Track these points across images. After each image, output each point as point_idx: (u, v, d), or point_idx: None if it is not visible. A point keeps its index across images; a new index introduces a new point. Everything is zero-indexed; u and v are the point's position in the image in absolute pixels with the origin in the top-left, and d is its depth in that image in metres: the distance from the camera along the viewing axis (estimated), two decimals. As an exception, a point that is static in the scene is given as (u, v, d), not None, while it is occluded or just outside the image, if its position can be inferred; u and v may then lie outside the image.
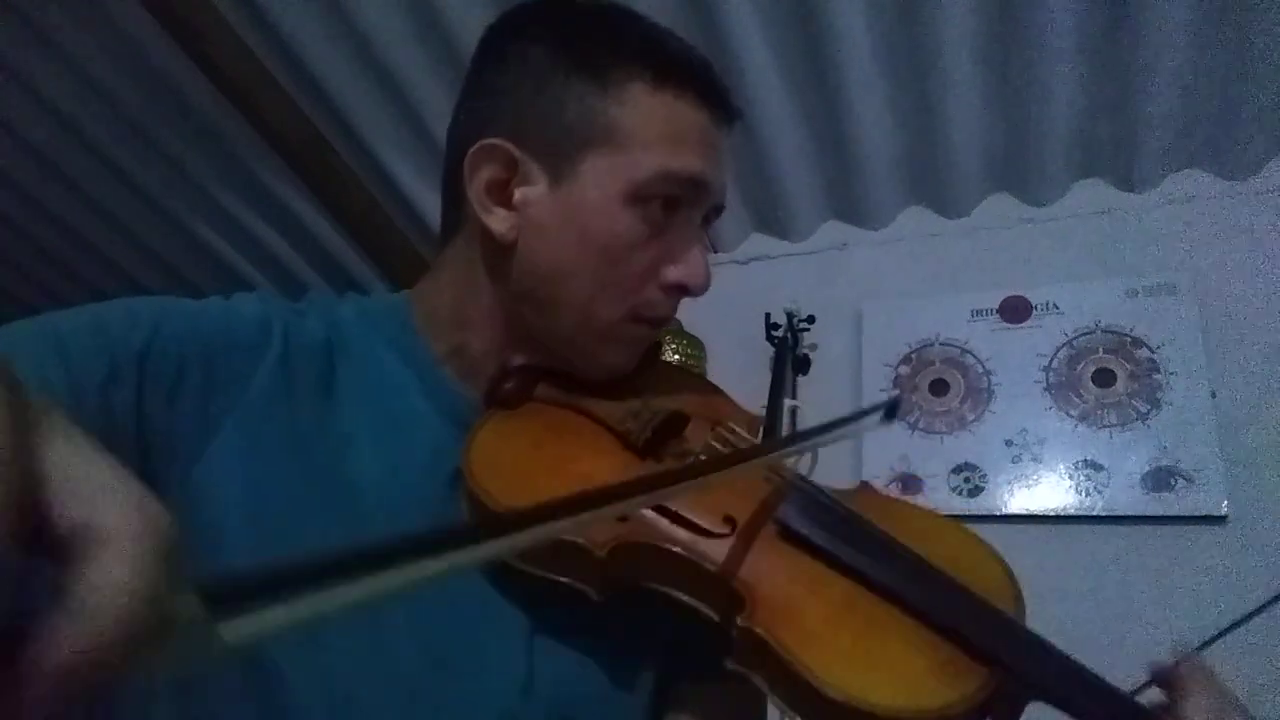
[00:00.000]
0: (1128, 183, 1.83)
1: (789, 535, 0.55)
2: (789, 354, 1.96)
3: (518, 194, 0.61)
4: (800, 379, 1.95)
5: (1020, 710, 0.49)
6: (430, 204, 2.14)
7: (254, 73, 1.79)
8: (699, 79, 0.61)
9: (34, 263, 2.70)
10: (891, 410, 0.57)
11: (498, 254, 0.62)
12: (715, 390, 0.74)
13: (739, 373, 1.93)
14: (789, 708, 0.47)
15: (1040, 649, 0.48)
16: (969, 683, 0.46)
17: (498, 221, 0.61)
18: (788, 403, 1.89)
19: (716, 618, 0.52)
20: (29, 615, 0.19)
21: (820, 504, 0.57)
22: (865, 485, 0.61)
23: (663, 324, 0.65)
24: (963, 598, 0.50)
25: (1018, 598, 0.52)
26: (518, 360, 0.65)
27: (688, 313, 2.11)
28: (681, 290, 0.63)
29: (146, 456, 0.52)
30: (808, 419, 1.88)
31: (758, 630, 0.48)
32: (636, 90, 0.59)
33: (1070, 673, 0.47)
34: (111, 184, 2.28)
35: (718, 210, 0.66)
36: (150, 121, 2.06)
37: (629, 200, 0.59)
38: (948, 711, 0.45)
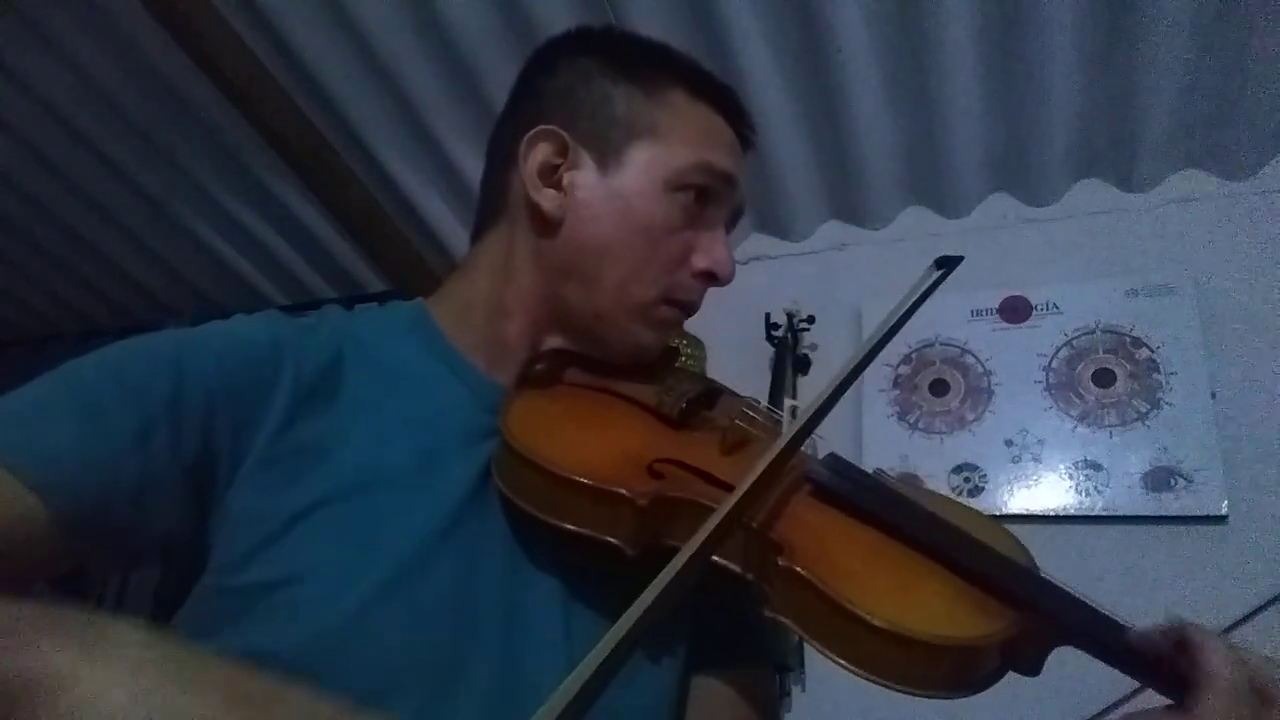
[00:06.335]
0: (1128, 183, 1.83)
1: (821, 493, 0.58)
2: (789, 354, 1.96)
3: (567, 177, 0.66)
4: (800, 379, 1.96)
5: (1044, 656, 0.50)
6: (430, 204, 2.14)
7: (254, 73, 1.79)
8: (729, 101, 0.70)
9: (34, 263, 2.70)
10: (947, 264, 0.61)
11: (543, 233, 0.67)
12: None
13: (739, 373, 1.93)
14: (826, 645, 0.48)
15: (1059, 593, 0.50)
16: (999, 620, 0.48)
17: (547, 200, 0.65)
18: (788, 403, 1.89)
19: (750, 574, 0.53)
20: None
21: (849, 467, 0.60)
22: (879, 470, 0.64)
23: (690, 310, 0.70)
24: (986, 549, 0.53)
25: (1030, 558, 0.55)
26: (551, 343, 0.69)
27: (688, 313, 2.11)
28: (709, 277, 0.68)
29: (199, 490, 0.55)
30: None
31: (798, 569, 0.49)
32: (677, 97, 0.67)
33: (1093, 617, 0.49)
34: (111, 184, 2.28)
35: (737, 215, 0.73)
36: (150, 122, 2.06)
37: (669, 187, 0.65)
38: (980, 641, 0.47)
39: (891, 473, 1.89)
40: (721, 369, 2.02)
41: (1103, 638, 0.48)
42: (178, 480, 0.53)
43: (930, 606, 0.50)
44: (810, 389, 1.94)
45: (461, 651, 0.55)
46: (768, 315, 2.01)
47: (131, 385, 0.53)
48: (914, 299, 0.62)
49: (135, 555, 0.57)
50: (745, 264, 2.16)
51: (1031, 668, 0.50)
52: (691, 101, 0.67)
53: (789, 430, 0.53)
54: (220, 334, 0.60)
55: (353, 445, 0.58)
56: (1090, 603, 0.50)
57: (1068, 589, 0.50)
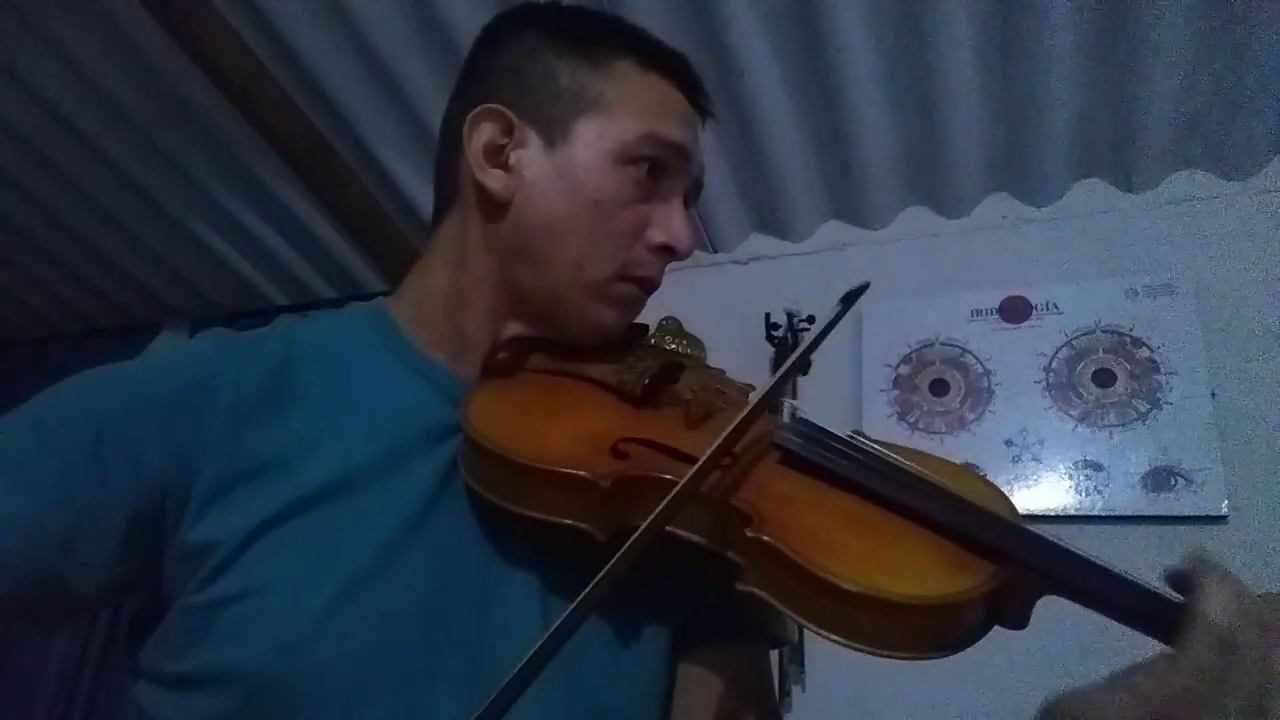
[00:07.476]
0: (1128, 183, 1.83)
1: (790, 460, 0.57)
2: (789, 354, 1.96)
3: (513, 156, 0.64)
4: (800, 379, 1.95)
5: (1029, 607, 0.49)
6: (430, 204, 2.13)
7: (254, 73, 1.79)
8: (680, 68, 0.67)
9: (34, 263, 2.70)
10: (850, 297, 0.62)
11: (493, 216, 0.65)
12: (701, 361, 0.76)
13: (739, 373, 1.91)
14: (803, 615, 0.47)
15: (1042, 542, 0.49)
16: (977, 574, 0.47)
17: (494, 180, 0.64)
18: (788, 403, 1.88)
19: (721, 548, 0.52)
20: None
21: (819, 431, 0.59)
22: (857, 432, 0.62)
23: (649, 286, 0.68)
24: (962, 503, 0.51)
25: (1012, 509, 0.53)
26: (511, 331, 0.67)
27: (688, 313, 2.13)
28: (666, 251, 0.66)
29: (146, 530, 0.54)
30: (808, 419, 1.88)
31: (767, 539, 0.48)
32: (624, 67, 0.65)
33: (1076, 562, 0.48)
34: (111, 183, 2.28)
35: (697, 188, 0.70)
36: (150, 121, 2.06)
37: (618, 160, 0.63)
38: (959, 598, 0.46)
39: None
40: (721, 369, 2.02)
41: (1087, 585, 0.47)
42: (114, 526, 0.53)
43: (906, 567, 0.49)
44: (810, 389, 1.94)
45: (434, 651, 0.55)
46: (768, 315, 2.01)
47: (50, 440, 0.53)
48: (818, 332, 0.62)
49: (83, 606, 0.56)
50: (745, 264, 2.17)
51: (1017, 620, 0.49)
52: (640, 71, 0.65)
53: (703, 458, 0.51)
54: (144, 368, 0.59)
55: (313, 452, 0.57)
56: (1073, 549, 0.48)
57: (1050, 537, 0.49)
